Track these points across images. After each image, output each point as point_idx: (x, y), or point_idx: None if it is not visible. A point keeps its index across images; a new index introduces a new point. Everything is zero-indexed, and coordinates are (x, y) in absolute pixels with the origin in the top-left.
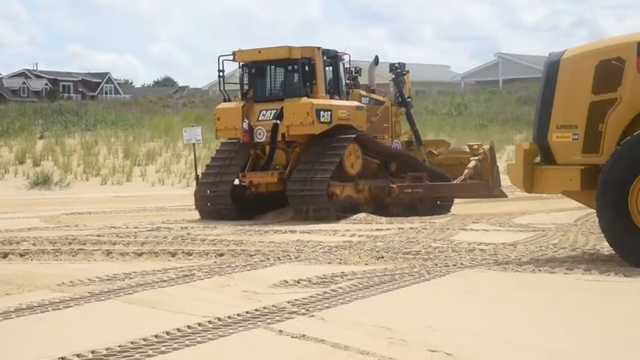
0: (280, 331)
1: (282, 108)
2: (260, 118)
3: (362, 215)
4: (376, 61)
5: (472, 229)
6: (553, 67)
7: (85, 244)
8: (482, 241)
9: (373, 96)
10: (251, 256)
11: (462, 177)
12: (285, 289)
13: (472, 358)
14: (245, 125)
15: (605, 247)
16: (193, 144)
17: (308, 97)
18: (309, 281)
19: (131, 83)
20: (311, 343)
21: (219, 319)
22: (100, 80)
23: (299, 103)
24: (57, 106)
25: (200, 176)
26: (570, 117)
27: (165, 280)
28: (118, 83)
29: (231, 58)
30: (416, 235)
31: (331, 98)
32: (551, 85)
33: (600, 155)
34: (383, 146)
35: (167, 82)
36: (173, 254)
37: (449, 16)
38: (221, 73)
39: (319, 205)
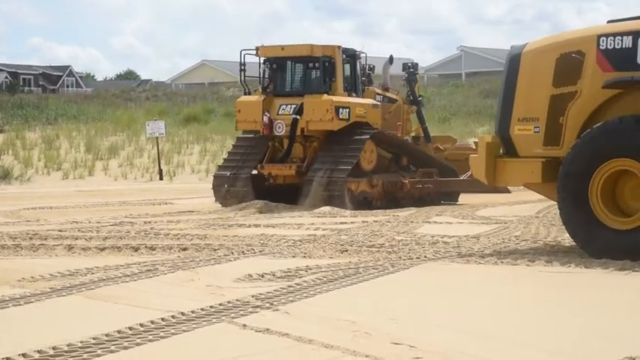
0: (244, 325)
1: (302, 103)
2: (280, 112)
3: (326, 209)
4: (391, 60)
5: (436, 222)
6: (514, 60)
7: (46, 239)
8: (445, 233)
9: (387, 94)
10: (215, 250)
11: (469, 172)
12: (250, 283)
13: (435, 350)
14: (266, 119)
15: (566, 239)
16: (156, 138)
17: (327, 95)
18: (274, 275)
19: (93, 76)
20: (275, 337)
21: (182, 313)
22: (62, 73)
23: (319, 100)
24: (17, 100)
25: (218, 167)
26: (531, 110)
27: (128, 275)
28: (79, 76)
29: (254, 53)
30: (380, 228)
31: (349, 96)
32: (512, 79)
33: (561, 148)
34: (398, 142)
35: (130, 76)
36: (136, 249)
37: (413, 10)
38: (243, 67)
39: (336, 202)
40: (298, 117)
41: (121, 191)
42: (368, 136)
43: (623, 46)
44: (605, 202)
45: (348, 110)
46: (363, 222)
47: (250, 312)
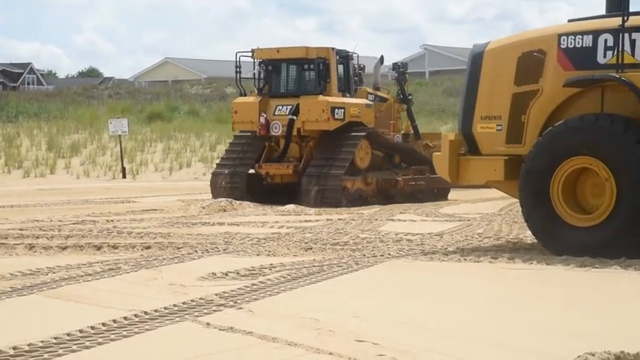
0: (208, 323)
1: (298, 104)
2: (276, 113)
3: (291, 207)
4: (381, 60)
5: (399, 220)
6: (477, 58)
7: (6, 237)
8: (409, 231)
9: (378, 93)
10: (178, 248)
11: None
12: (213, 282)
13: (399, 348)
14: (262, 119)
15: (528, 236)
16: (119, 135)
17: (323, 95)
18: (237, 273)
19: (54, 74)
20: (239, 335)
21: (145, 312)
22: (22, 71)
23: (315, 101)
24: None
25: (215, 166)
26: (494, 108)
27: (91, 274)
28: (40, 74)
29: (250, 55)
30: (344, 226)
31: (343, 96)
32: (475, 77)
33: (523, 146)
34: (391, 141)
35: (92, 73)
36: (98, 247)
37: (377, 9)
38: (238, 69)
39: (333, 199)
40: (294, 117)
41: (83, 189)
42: (363, 135)
43: (584, 45)
44: (566, 199)
45: (343, 110)
46: (328, 220)
47: (214, 310)
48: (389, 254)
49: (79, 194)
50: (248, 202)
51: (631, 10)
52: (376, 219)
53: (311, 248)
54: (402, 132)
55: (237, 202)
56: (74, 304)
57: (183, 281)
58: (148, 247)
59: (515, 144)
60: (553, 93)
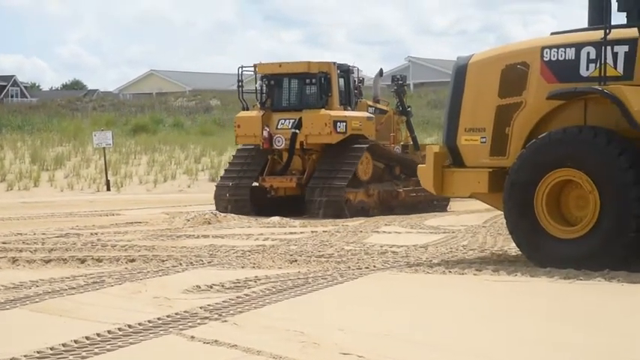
0: (192, 337)
1: (300, 118)
2: (279, 127)
3: (276, 219)
4: (381, 73)
5: (384, 232)
6: (461, 71)
7: None
8: (394, 243)
9: (378, 106)
10: (163, 261)
11: None
12: (198, 295)
13: None
14: (265, 133)
15: (513, 248)
16: (103, 148)
17: (325, 109)
18: (222, 286)
19: (38, 86)
20: (224, 349)
21: (129, 326)
22: (5, 83)
23: (318, 115)
24: None
25: (219, 179)
26: (478, 120)
27: (74, 288)
28: (24, 86)
29: (252, 70)
30: (329, 238)
31: (344, 109)
32: (459, 89)
33: (507, 158)
34: (392, 153)
35: (76, 85)
36: (82, 261)
37: (361, 21)
38: (240, 83)
39: (336, 211)
40: (297, 131)
41: (67, 202)
42: (365, 148)
43: (567, 58)
44: (550, 211)
45: (345, 124)
46: (313, 232)
47: (199, 323)
48: (374, 266)
49: (62, 207)
50: (232, 215)
51: (613, 23)
52: (361, 231)
53: (296, 260)
54: (402, 143)
55: (222, 214)
56: (58, 318)
57: (168, 294)
58: (133, 260)
59: (499, 156)
60: (536, 105)
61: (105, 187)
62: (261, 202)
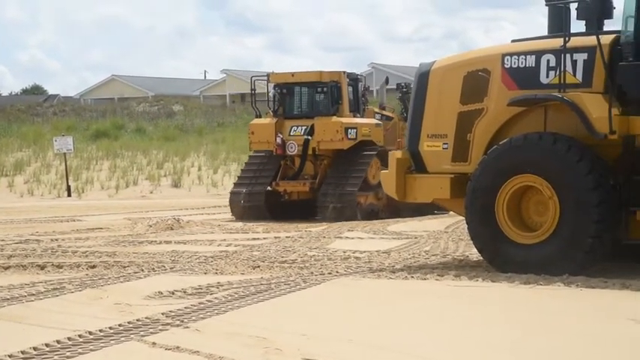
0: (154, 343)
1: (312, 125)
2: (291, 134)
3: (238, 225)
4: (387, 81)
5: (347, 238)
6: (423, 77)
7: None
8: (357, 249)
9: (384, 112)
10: (124, 267)
11: None
12: (160, 301)
13: None
14: (279, 139)
15: (474, 254)
16: (64, 153)
17: (336, 116)
18: (184, 292)
19: None
20: (185, 355)
21: (90, 332)
22: None
23: (329, 122)
24: None
25: (233, 184)
26: (440, 126)
27: (34, 294)
28: None
29: (265, 79)
30: (292, 243)
31: (354, 116)
32: (421, 96)
33: (469, 164)
34: None
35: (36, 90)
36: (42, 267)
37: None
38: (253, 92)
39: (348, 214)
40: (310, 137)
41: (27, 208)
42: (374, 154)
43: (527, 65)
44: (511, 217)
45: (355, 130)
46: (276, 238)
47: (160, 330)
48: (337, 272)
49: (22, 213)
50: (195, 220)
51: (572, 31)
52: (324, 237)
53: (259, 266)
54: None
55: (185, 220)
56: (17, 324)
57: (129, 300)
58: (93, 267)
59: (461, 162)
60: (497, 112)
61: (66, 193)
62: (274, 206)
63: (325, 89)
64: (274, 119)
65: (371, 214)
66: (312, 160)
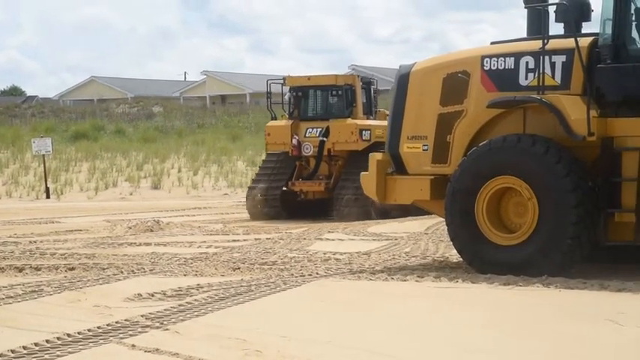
0: (133, 345)
1: (328, 127)
2: (307, 135)
3: (218, 226)
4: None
5: (328, 239)
6: (403, 79)
7: None
8: (337, 250)
9: None
10: (104, 269)
11: None
12: (139, 303)
13: None
14: (295, 141)
15: (454, 255)
16: (43, 155)
17: (351, 118)
18: (164, 294)
19: None
20: (165, 357)
21: (68, 335)
22: None
23: (345, 124)
24: None
25: (249, 185)
26: (420, 128)
27: (12, 297)
28: None
29: (282, 82)
30: (272, 245)
31: (367, 119)
32: (401, 97)
33: (449, 165)
34: None
35: (15, 92)
36: (20, 269)
37: (306, 29)
38: (269, 95)
39: (364, 214)
40: (325, 139)
41: (5, 210)
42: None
43: (506, 67)
44: (491, 218)
45: (369, 132)
46: (256, 239)
47: (139, 332)
48: (317, 273)
49: (0, 215)
50: (174, 222)
51: (551, 33)
52: (304, 238)
53: (239, 268)
54: None
55: (164, 221)
56: None
57: (108, 303)
58: (72, 269)
59: (440, 164)
60: (477, 114)
61: (44, 195)
62: (291, 205)
63: (340, 92)
64: (290, 121)
65: (384, 213)
66: (327, 160)
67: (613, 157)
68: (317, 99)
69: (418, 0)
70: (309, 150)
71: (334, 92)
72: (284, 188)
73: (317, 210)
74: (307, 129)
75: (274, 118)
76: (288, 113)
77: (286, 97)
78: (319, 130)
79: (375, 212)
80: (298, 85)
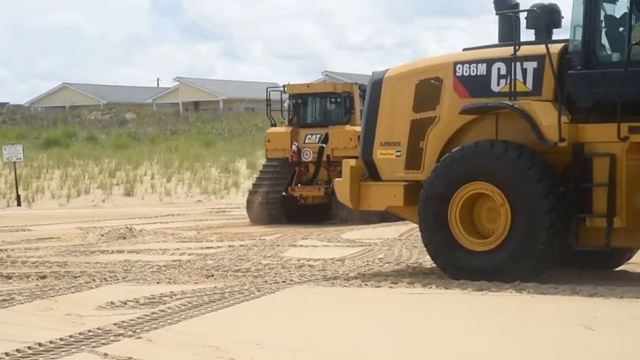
0: (105, 354)
1: (326, 133)
2: (306, 141)
3: (192, 233)
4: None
5: (302, 246)
6: (376, 85)
7: None
8: (311, 257)
9: None
10: (76, 277)
11: None
12: (112, 311)
13: None
14: (294, 147)
15: (428, 261)
16: (14, 162)
17: (349, 125)
18: (137, 302)
19: None
20: None
21: (40, 344)
22: None
23: (343, 130)
24: None
25: (250, 190)
26: (393, 134)
27: None
28: None
29: (281, 90)
30: (246, 252)
31: None
32: (374, 104)
33: (422, 171)
34: None
35: None
36: None
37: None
38: (269, 102)
39: (363, 217)
40: (324, 145)
41: None
42: None
43: (478, 74)
44: (464, 224)
45: None
46: (230, 246)
47: (112, 340)
48: (291, 280)
49: None
50: (148, 229)
51: (522, 40)
52: (278, 245)
53: (212, 275)
54: None
55: (137, 229)
56: None
57: (81, 311)
58: (44, 277)
59: (414, 170)
60: (450, 120)
61: (15, 202)
62: (290, 210)
63: (338, 99)
64: (289, 128)
65: (382, 217)
66: (325, 166)
67: (584, 162)
68: (316, 106)
69: (390, 6)
70: (308, 156)
71: (333, 100)
72: (284, 193)
73: (316, 214)
74: (306, 135)
75: (274, 125)
76: (288, 120)
77: (286, 105)
78: (318, 136)
79: (376, 216)
80: (298, 93)
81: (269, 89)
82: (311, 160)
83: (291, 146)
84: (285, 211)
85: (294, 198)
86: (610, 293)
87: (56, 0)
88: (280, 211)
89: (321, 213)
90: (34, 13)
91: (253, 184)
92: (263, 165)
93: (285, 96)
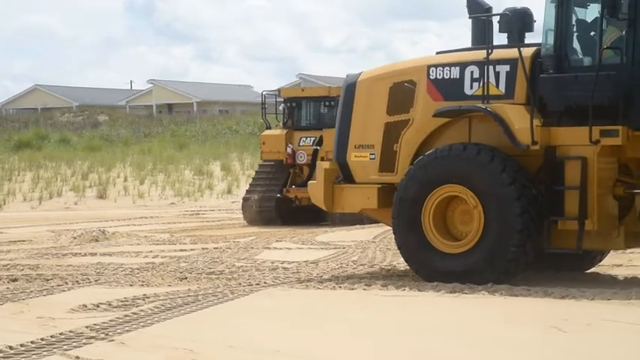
0: (77, 357)
1: (321, 136)
2: (301, 144)
3: (165, 236)
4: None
5: (276, 248)
6: (350, 88)
7: None
8: (285, 259)
9: None
10: (47, 280)
11: None
12: (84, 314)
13: None
14: (289, 149)
15: (401, 263)
16: None
17: None
18: (109, 305)
19: None
20: None
21: (10, 347)
22: None
23: None
24: None
25: (246, 191)
26: (367, 137)
27: None
28: None
29: (276, 94)
30: (220, 254)
31: None
32: (348, 106)
33: (395, 174)
34: None
35: None
36: None
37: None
38: (264, 106)
39: (356, 218)
40: (318, 147)
41: None
42: None
43: (452, 77)
44: (437, 226)
45: None
46: (203, 249)
47: (84, 343)
48: (265, 283)
49: None
50: (120, 232)
51: (495, 43)
52: (252, 247)
53: (186, 278)
54: None
55: (110, 231)
56: None
57: (52, 314)
58: (15, 280)
59: (387, 172)
60: (423, 123)
61: None
62: (285, 212)
63: (332, 103)
64: (284, 131)
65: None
66: None
67: (556, 165)
68: (310, 109)
69: (364, 9)
70: (303, 158)
71: (327, 103)
72: (279, 195)
73: (311, 216)
74: (301, 138)
75: (269, 128)
76: (283, 123)
77: (280, 108)
78: (313, 139)
79: (367, 217)
80: (292, 96)
81: (264, 93)
82: (305, 163)
83: (286, 149)
84: (279, 213)
85: (289, 199)
86: (582, 295)
87: (29, 1)
88: (275, 213)
89: (316, 214)
90: (6, 14)
91: (249, 185)
92: (258, 166)
93: (280, 99)
